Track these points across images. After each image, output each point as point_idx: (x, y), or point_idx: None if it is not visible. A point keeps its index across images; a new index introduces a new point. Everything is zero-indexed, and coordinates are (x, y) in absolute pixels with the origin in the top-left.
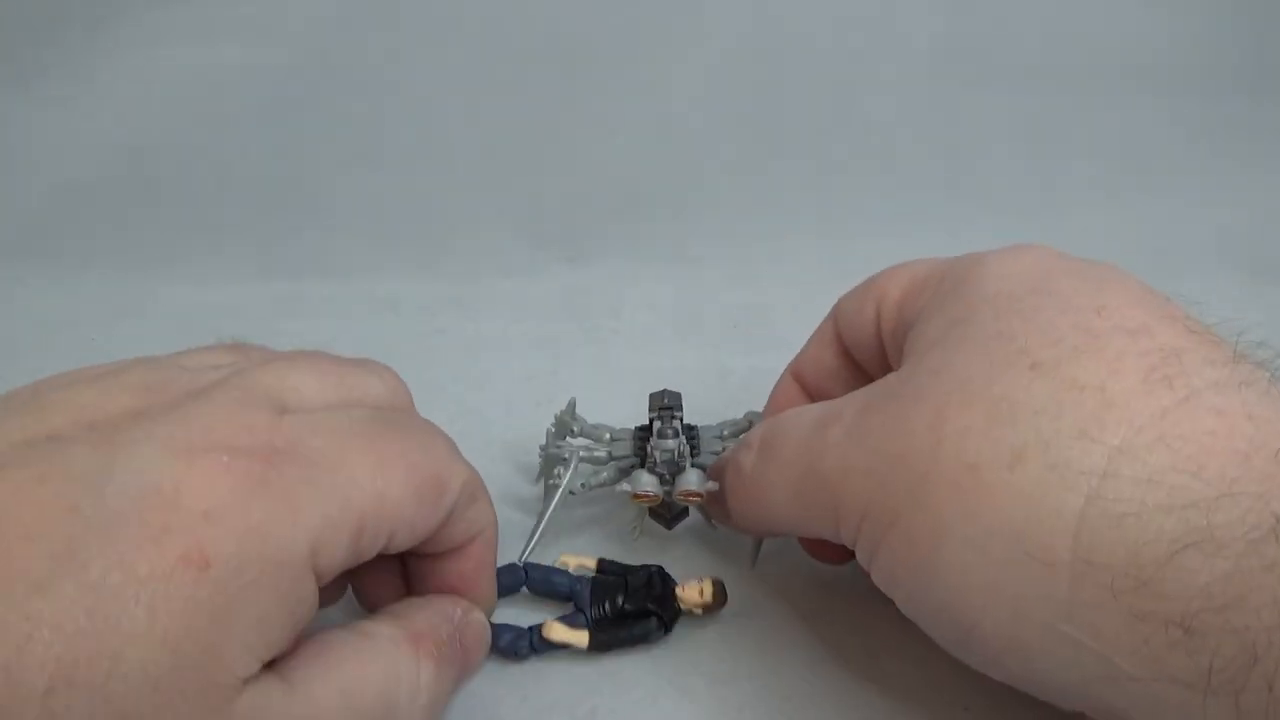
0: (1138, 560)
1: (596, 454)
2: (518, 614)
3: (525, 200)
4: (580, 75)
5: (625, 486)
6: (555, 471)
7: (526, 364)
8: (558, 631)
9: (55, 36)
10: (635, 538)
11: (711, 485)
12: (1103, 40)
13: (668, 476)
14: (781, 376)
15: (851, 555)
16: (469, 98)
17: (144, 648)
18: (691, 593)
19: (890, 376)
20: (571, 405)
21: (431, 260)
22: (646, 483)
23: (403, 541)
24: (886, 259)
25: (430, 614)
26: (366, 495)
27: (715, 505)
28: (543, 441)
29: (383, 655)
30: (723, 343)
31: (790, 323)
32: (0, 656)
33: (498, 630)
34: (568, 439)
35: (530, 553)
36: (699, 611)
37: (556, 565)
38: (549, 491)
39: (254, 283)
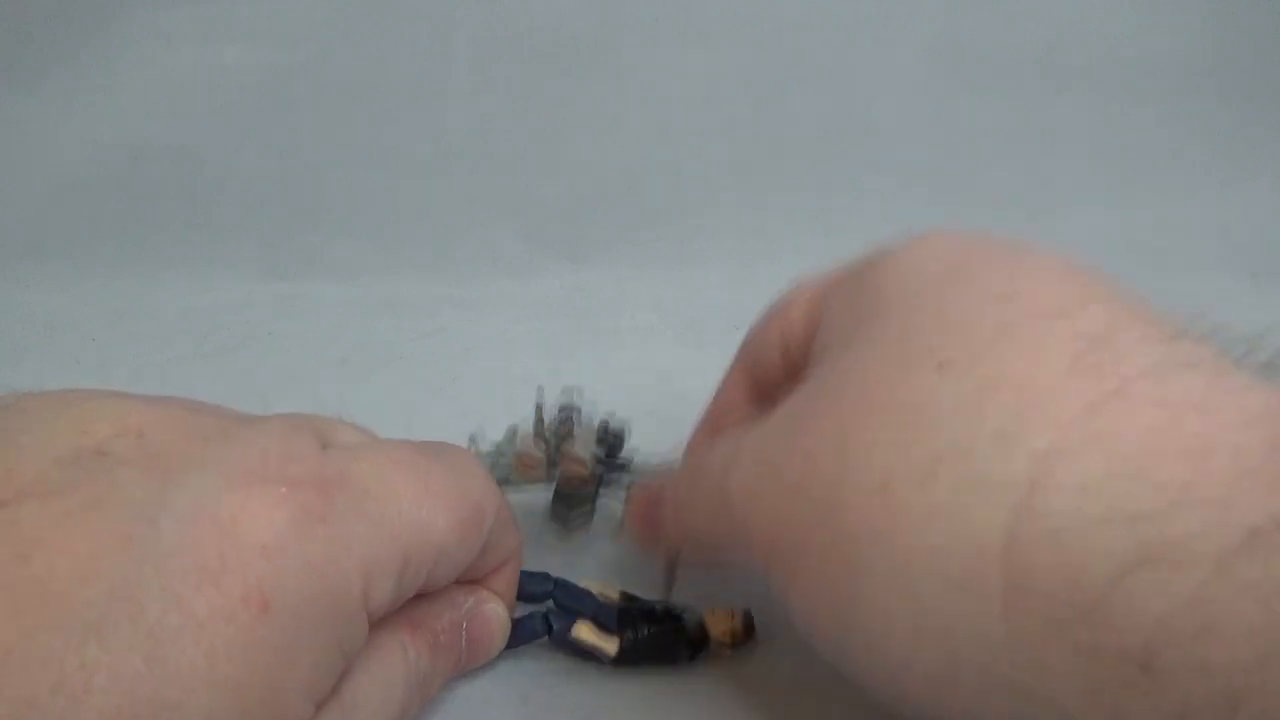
0: (1080, 584)
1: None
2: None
3: (525, 200)
4: (580, 75)
5: (505, 453)
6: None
7: (526, 364)
8: (586, 632)
9: (55, 36)
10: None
11: (597, 450)
12: (1103, 40)
13: (555, 444)
14: (692, 435)
15: None
16: (469, 98)
17: (205, 696)
18: (720, 619)
19: (795, 391)
20: (510, 433)
21: (431, 260)
22: (530, 447)
23: (442, 576)
24: None
25: (435, 601)
26: (412, 529)
27: (646, 533)
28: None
29: (392, 646)
30: (723, 343)
31: None
32: (56, 709)
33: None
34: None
35: None
36: (726, 640)
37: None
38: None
39: (254, 283)
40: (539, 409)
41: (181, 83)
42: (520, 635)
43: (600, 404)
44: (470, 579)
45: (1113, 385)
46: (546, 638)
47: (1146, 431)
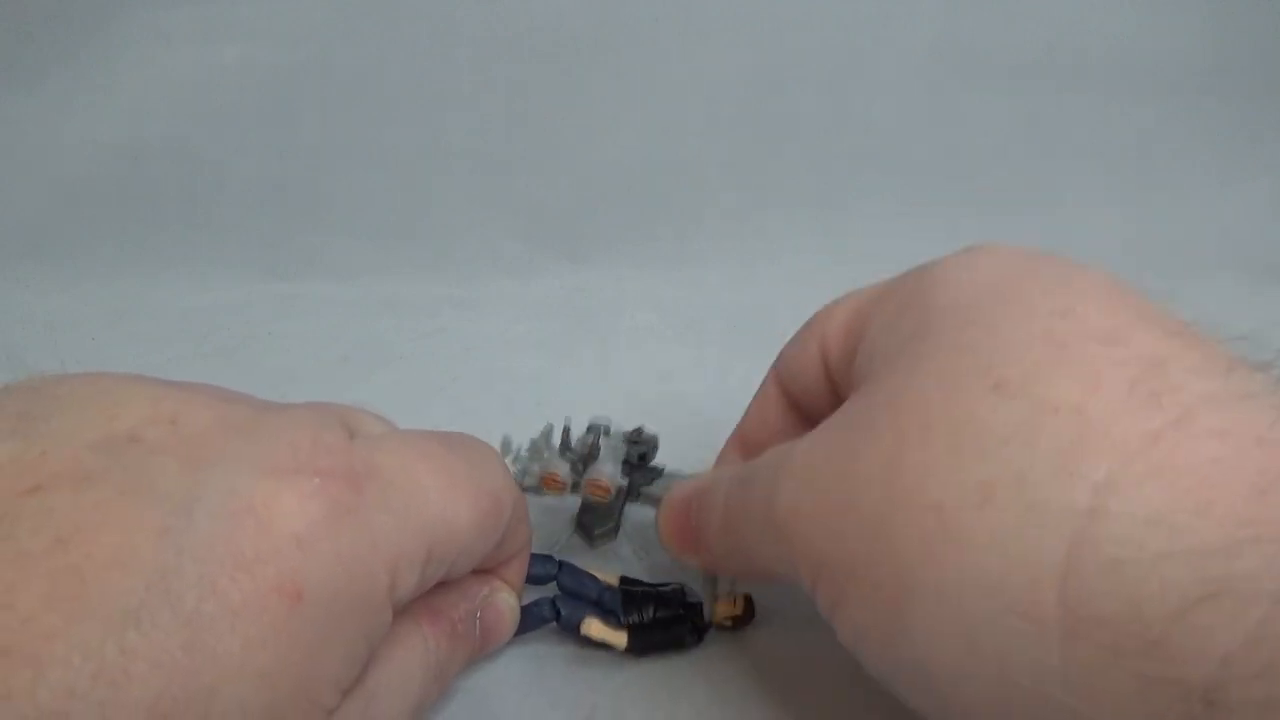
0: (1141, 617)
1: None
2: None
3: (525, 200)
4: (580, 75)
5: (534, 467)
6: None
7: (526, 364)
8: (597, 629)
9: (55, 36)
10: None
11: (621, 481)
12: (1103, 40)
13: (580, 465)
14: (723, 449)
15: None
16: (469, 97)
17: (241, 684)
18: (723, 603)
19: (843, 406)
20: (547, 431)
21: (431, 260)
22: (554, 465)
23: (460, 568)
24: (886, 259)
25: (453, 591)
26: (436, 522)
27: (685, 542)
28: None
29: (411, 635)
30: (723, 343)
31: (790, 323)
32: (97, 695)
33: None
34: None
35: None
36: (729, 623)
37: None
38: None
39: (254, 283)
40: (566, 430)
41: (181, 83)
42: (529, 622)
43: (599, 404)
44: (484, 568)
45: (1173, 415)
46: (555, 623)
47: (1208, 464)
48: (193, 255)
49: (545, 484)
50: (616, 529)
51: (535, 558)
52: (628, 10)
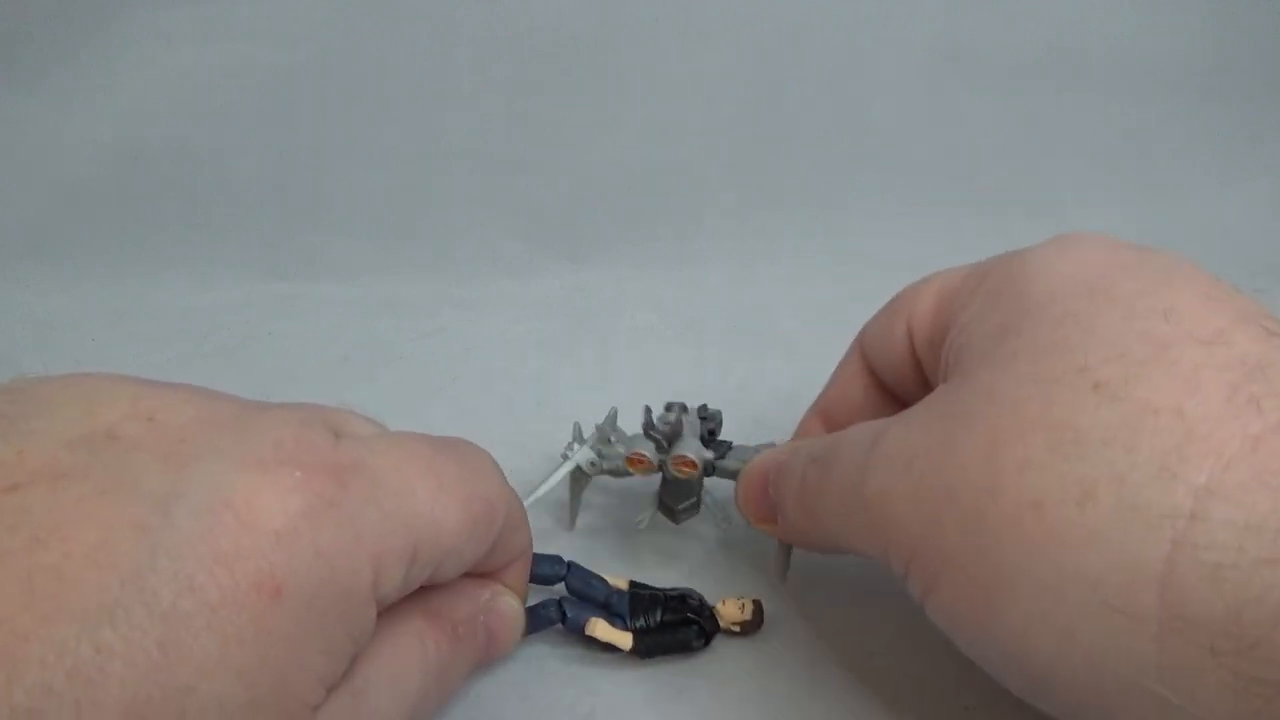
0: (1242, 619)
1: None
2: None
3: (525, 200)
4: (580, 75)
5: (620, 449)
6: (569, 445)
7: (526, 364)
8: (602, 630)
9: (55, 36)
10: (642, 527)
11: (707, 454)
12: (1103, 40)
13: (665, 444)
14: (803, 420)
15: None
16: (469, 97)
17: (218, 682)
18: (732, 608)
19: (936, 393)
20: (612, 416)
21: (431, 260)
22: (641, 445)
23: (448, 572)
24: (886, 259)
25: (451, 593)
26: (424, 521)
27: (762, 513)
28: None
29: (406, 635)
30: (723, 343)
31: (791, 323)
32: (73, 694)
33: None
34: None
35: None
36: (736, 629)
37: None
38: (563, 464)
39: (254, 283)
40: (647, 410)
41: (181, 83)
42: (534, 623)
43: (600, 403)
44: (485, 573)
45: (1273, 419)
46: (560, 624)
47: None
48: (193, 255)
49: (631, 464)
50: (698, 505)
51: (543, 558)
52: (628, 10)
